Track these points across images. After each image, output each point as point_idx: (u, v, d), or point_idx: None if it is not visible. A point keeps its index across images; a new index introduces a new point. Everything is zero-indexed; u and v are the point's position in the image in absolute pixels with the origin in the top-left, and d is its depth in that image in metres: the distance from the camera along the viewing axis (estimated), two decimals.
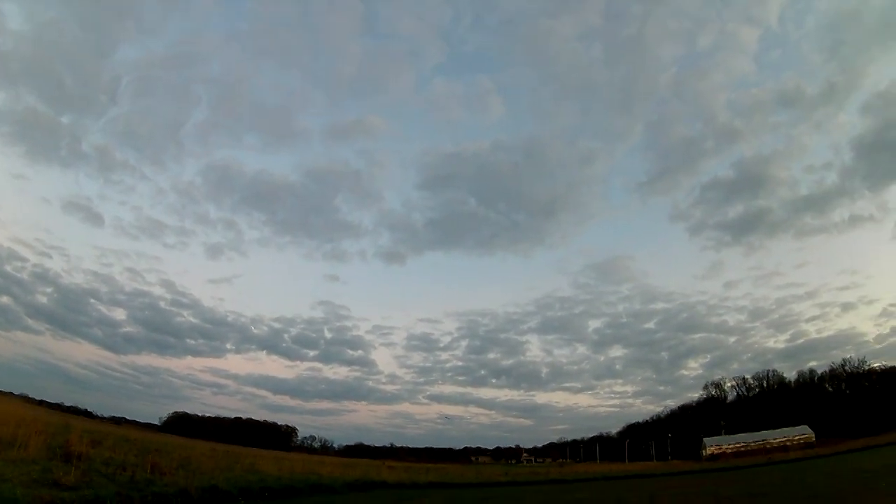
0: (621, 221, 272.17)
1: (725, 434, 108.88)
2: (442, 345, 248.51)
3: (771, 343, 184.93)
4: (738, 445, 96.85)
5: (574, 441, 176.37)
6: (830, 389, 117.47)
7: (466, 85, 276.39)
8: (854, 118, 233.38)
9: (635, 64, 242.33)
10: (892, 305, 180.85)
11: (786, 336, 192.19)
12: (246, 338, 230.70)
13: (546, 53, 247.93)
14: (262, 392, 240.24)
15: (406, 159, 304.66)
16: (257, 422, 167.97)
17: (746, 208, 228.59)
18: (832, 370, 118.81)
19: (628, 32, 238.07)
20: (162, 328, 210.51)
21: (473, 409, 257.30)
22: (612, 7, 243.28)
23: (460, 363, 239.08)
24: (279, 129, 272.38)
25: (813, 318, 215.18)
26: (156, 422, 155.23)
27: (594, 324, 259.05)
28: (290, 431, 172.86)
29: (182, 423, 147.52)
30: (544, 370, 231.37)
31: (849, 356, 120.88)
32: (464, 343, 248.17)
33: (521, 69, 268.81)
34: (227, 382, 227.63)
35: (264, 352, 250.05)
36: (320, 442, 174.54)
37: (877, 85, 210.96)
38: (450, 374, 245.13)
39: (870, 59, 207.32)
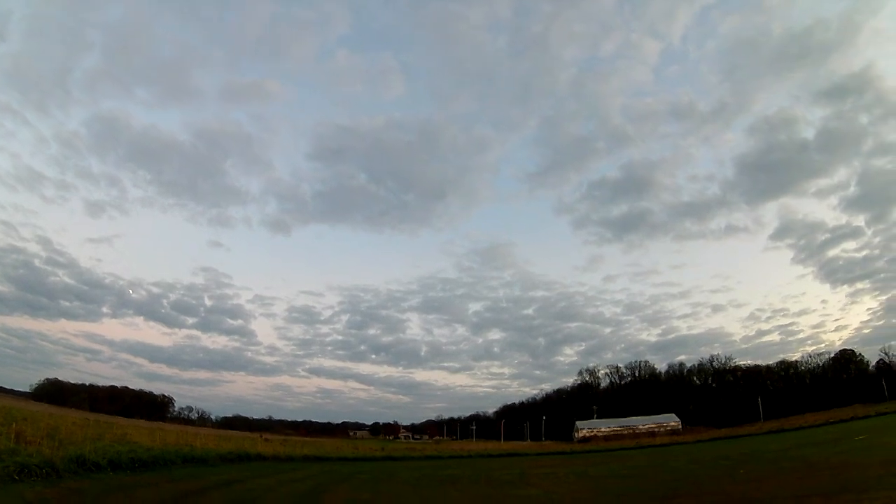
0: (508, 210, 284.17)
1: (597, 419, 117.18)
2: (323, 318, 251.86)
3: (644, 336, 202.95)
4: (608, 430, 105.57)
5: (451, 419, 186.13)
6: (698, 382, 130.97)
7: (369, 60, 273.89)
8: (740, 137, 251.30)
9: (538, 60, 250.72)
10: (758, 310, 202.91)
11: (658, 330, 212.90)
12: (123, 302, 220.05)
13: (452, 38, 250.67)
14: (139, 360, 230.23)
15: (299, 128, 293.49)
16: (133, 391, 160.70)
17: (630, 208, 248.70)
18: (700, 365, 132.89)
19: (535, 29, 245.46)
20: (35, 288, 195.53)
21: (353, 384, 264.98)
22: (523, 2, 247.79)
23: (340, 337, 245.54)
24: (173, 84, 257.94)
25: (685, 316, 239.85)
26: (26, 389, 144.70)
27: (475, 306, 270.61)
28: (166, 401, 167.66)
29: (54, 391, 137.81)
30: (424, 349, 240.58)
31: (716, 353, 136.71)
32: (345, 318, 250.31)
33: (425, 50, 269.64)
34: (102, 348, 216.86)
35: (142, 317, 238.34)
36: (198, 413, 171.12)
37: (765, 110, 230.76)
38: (330, 347, 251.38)
39: (761, 85, 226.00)
